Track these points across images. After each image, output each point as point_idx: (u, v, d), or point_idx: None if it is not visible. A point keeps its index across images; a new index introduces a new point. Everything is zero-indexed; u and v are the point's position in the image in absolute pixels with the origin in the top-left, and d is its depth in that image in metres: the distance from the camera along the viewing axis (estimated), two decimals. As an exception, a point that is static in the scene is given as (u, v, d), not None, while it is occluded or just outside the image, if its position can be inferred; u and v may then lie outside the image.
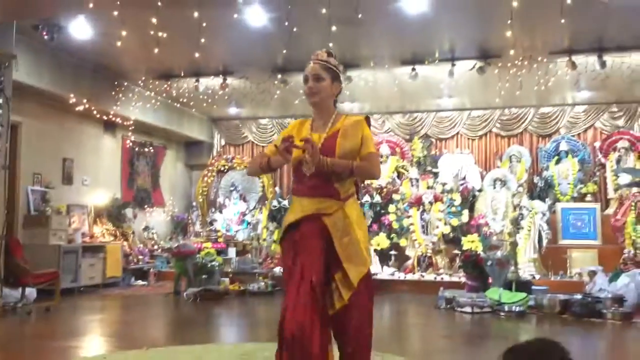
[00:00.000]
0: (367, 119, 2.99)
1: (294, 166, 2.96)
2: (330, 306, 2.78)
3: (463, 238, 9.54)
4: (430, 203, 10.15)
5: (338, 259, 2.80)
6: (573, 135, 11.39)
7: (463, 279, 8.48)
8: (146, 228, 11.59)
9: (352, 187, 2.97)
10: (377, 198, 10.70)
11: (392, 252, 9.99)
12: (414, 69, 8.88)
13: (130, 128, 10.73)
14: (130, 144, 11.40)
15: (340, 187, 2.87)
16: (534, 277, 8.71)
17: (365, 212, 10.57)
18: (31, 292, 7.40)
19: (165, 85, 10.12)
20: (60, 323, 6.52)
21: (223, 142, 13.52)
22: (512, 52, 7.91)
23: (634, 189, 9.74)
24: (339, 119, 2.96)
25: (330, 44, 7.82)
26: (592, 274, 7.91)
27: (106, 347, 5.23)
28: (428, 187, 10.62)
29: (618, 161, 10.53)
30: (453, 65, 8.72)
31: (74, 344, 5.25)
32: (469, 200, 10.36)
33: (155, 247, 11.37)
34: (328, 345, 2.76)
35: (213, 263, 9.04)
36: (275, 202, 11.12)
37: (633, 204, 9.42)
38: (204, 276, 8.84)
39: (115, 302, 8.34)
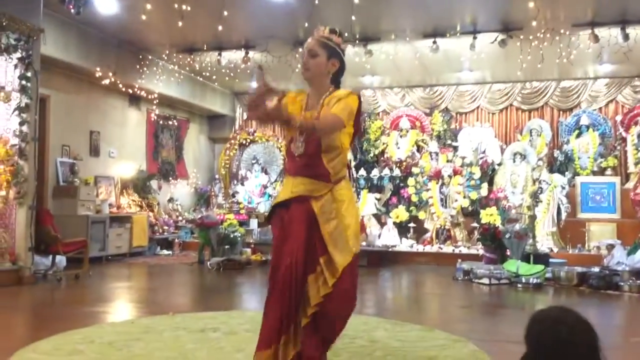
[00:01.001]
0: (358, 95, 2.89)
1: (286, 145, 2.99)
2: (314, 295, 2.75)
3: (482, 211, 9.62)
4: (450, 176, 10.22)
5: (324, 243, 2.79)
6: (594, 109, 11.29)
7: (481, 252, 8.58)
8: (170, 199, 11.84)
9: (344, 169, 2.93)
10: (397, 171, 10.79)
11: (411, 225, 10.12)
12: (435, 42, 8.86)
13: (154, 101, 10.92)
14: (155, 117, 11.60)
15: (331, 169, 2.84)
16: (551, 250, 8.78)
17: (384, 185, 10.70)
18: (61, 260, 7.67)
19: (189, 59, 10.25)
20: (89, 290, 6.79)
21: (245, 116, 13.64)
22: (534, 24, 7.86)
23: (655, 163, 9.71)
24: (328, 96, 2.89)
25: (353, 17, 7.89)
26: (610, 247, 7.96)
27: (134, 313, 5.47)
28: (447, 161, 10.68)
29: (639, 135, 10.44)
30: (474, 38, 8.68)
31: (103, 310, 5.49)
32: (489, 174, 10.41)
33: (180, 218, 11.63)
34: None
35: (235, 234, 9.25)
36: (296, 175, 11.24)
37: (654, 178, 9.40)
38: (226, 246, 9.07)
39: (141, 270, 8.61)
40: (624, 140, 10.74)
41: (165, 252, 10.45)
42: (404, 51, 9.62)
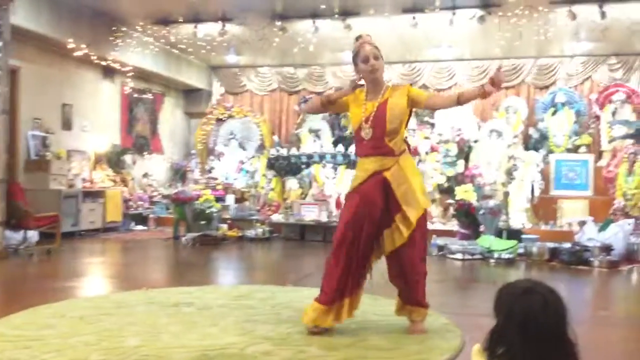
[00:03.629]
0: (410, 85, 3.72)
1: (355, 131, 3.61)
2: (390, 244, 3.47)
3: (457, 188, 9.68)
4: (427, 153, 10.25)
5: (398, 204, 3.45)
6: (570, 87, 11.38)
7: (456, 228, 8.66)
8: (145, 174, 11.72)
9: (404, 144, 3.59)
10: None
11: (388, 201, 10.14)
12: (414, 18, 8.81)
13: (128, 74, 10.72)
14: (129, 90, 11.40)
15: (394, 145, 3.51)
16: (524, 226, 8.90)
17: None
18: (33, 235, 7.57)
19: (164, 31, 10.06)
20: (61, 265, 6.72)
21: (222, 91, 13.49)
22: (512, 0, 7.85)
23: (628, 141, 9.83)
24: (387, 90, 3.58)
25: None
26: (582, 223, 8.09)
27: (106, 288, 5.44)
28: (425, 138, 10.69)
29: (613, 113, 10.54)
30: (454, 14, 8.65)
31: (75, 284, 5.44)
32: (465, 151, 10.46)
33: (155, 193, 11.52)
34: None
35: (211, 209, 9.20)
36: (273, 151, 11.22)
37: (626, 155, 9.52)
38: (202, 222, 9.02)
39: (115, 245, 8.54)
40: (598, 118, 10.84)
41: (139, 227, 10.37)
42: (383, 26, 9.55)
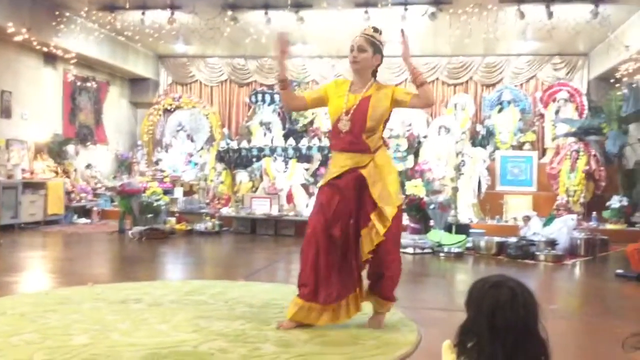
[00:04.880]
0: (395, 86, 3.73)
1: (333, 123, 3.54)
2: (369, 244, 3.41)
3: (407, 183, 9.77)
4: (377, 148, 10.29)
5: (373, 201, 3.41)
6: (516, 86, 11.67)
7: (406, 222, 8.73)
8: (89, 166, 11.33)
9: (380, 141, 3.54)
10: (326, 141, 10.76)
11: (338, 195, 10.14)
12: (366, 12, 8.82)
13: (71, 61, 10.30)
14: (72, 78, 10.97)
15: (370, 142, 3.46)
16: (471, 221, 9.06)
17: (313, 155, 10.65)
18: (-31, 227, 7.21)
19: (110, 17, 9.71)
20: (0, 259, 6.39)
21: (170, 81, 13.18)
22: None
23: (570, 139, 10.16)
24: (372, 86, 3.51)
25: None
26: (527, 218, 8.30)
27: (49, 283, 5.20)
28: (375, 132, 10.73)
29: (557, 112, 10.90)
30: (406, 9, 8.71)
31: (14, 279, 5.17)
32: (415, 146, 10.57)
33: (98, 185, 11.16)
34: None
35: (159, 202, 8.97)
36: (223, 143, 11.04)
37: (568, 153, 9.85)
38: (149, 215, 8.78)
39: (57, 239, 8.21)
40: (542, 116, 11.17)
41: (83, 220, 10.02)
42: (336, 20, 9.52)
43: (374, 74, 3.59)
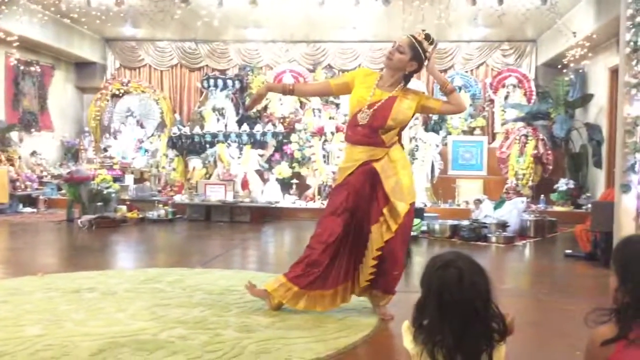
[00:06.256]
0: (424, 94, 3.79)
1: (353, 113, 3.52)
2: (379, 240, 3.39)
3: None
4: (332, 133, 10.30)
5: (386, 195, 3.42)
6: (466, 72, 11.85)
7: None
8: (34, 153, 10.91)
9: (395, 136, 3.54)
10: (280, 127, 10.70)
11: (294, 181, 10.12)
12: (320, -4, 8.74)
13: (14, 44, 9.84)
14: (15, 62, 10.51)
15: (386, 137, 3.47)
16: (425, 205, 9.19)
17: (267, 141, 10.58)
18: None
19: (54, -1, 9.32)
20: (-59, 250, 6.11)
21: (118, 65, 12.78)
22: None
23: (519, 124, 10.41)
24: (400, 89, 3.52)
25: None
26: (478, 202, 8.49)
27: (-4, 274, 4.99)
28: (330, 118, 10.74)
29: (506, 97, 11.12)
30: (359, -6, 8.68)
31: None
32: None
33: (44, 173, 10.77)
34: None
35: (109, 190, 8.74)
36: (175, 129, 10.83)
37: (517, 137, 10.09)
38: (99, 203, 8.54)
39: (2, 228, 7.91)
40: (492, 101, 11.39)
41: (28, 209, 9.66)
42: (290, 4, 9.42)
43: (406, 78, 3.57)
